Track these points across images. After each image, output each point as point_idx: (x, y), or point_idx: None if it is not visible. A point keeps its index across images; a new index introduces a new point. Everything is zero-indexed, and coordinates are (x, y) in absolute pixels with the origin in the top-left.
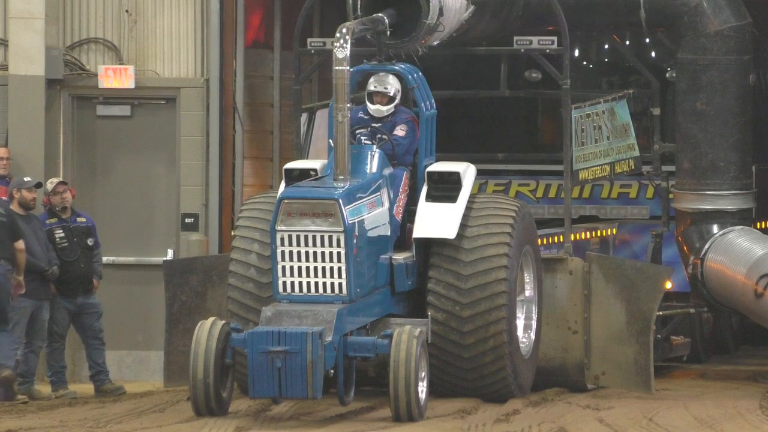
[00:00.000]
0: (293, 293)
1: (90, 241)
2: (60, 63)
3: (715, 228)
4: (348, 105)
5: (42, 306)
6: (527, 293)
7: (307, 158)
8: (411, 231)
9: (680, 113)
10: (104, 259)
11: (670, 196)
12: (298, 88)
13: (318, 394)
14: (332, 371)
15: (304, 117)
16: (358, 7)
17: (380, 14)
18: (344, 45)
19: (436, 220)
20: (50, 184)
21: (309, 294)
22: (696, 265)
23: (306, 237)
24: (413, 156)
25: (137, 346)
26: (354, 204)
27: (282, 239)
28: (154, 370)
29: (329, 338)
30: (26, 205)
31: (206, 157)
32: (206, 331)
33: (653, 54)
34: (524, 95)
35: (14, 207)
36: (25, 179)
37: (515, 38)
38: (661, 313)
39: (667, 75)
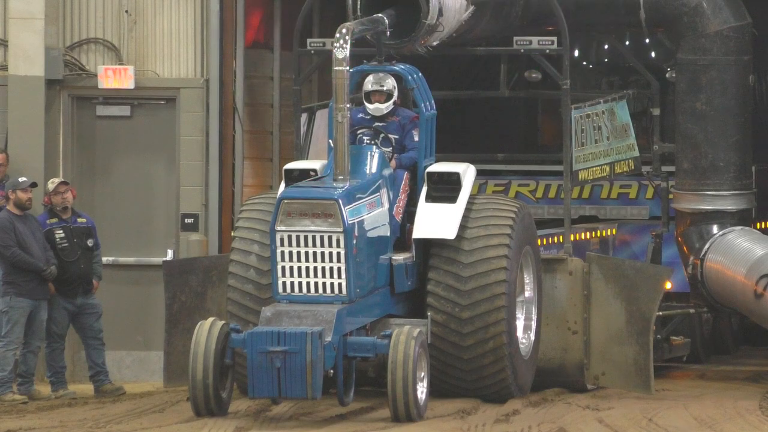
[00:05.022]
0: (293, 293)
1: (90, 242)
2: (60, 63)
3: (714, 228)
4: (348, 105)
5: (40, 306)
6: (527, 294)
7: (307, 158)
8: (411, 231)
9: (680, 113)
10: (104, 259)
11: (670, 196)
12: (297, 89)
13: (317, 395)
14: (332, 371)
15: (304, 117)
16: (358, 7)
17: (380, 14)
18: (344, 45)
19: (435, 221)
20: (51, 184)
21: (309, 294)
22: (696, 266)
23: (306, 237)
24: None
25: (137, 346)
26: (354, 204)
27: (282, 239)
28: (154, 370)
29: (329, 338)
30: (22, 205)
31: (206, 157)
32: (206, 331)
33: (653, 54)
34: (524, 95)
35: (10, 208)
36: (20, 180)
37: (515, 38)
38: (660, 313)
39: (667, 75)
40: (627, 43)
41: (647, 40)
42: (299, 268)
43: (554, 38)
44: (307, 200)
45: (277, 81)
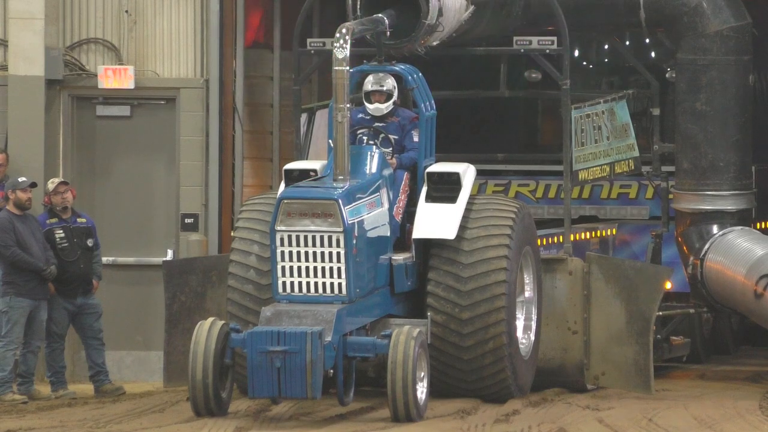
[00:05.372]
0: (293, 293)
1: (90, 242)
2: (60, 63)
3: (714, 228)
4: (348, 105)
5: (40, 306)
6: (527, 294)
7: (306, 159)
8: (411, 231)
9: (680, 113)
10: (104, 259)
11: (670, 196)
12: (297, 89)
13: (317, 395)
14: (332, 371)
15: (303, 117)
16: (358, 7)
17: (380, 14)
18: (344, 45)
19: (435, 221)
20: (51, 184)
21: (308, 294)
22: (696, 266)
23: (305, 237)
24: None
25: (137, 346)
26: (353, 204)
27: (281, 239)
28: (154, 370)
29: (329, 338)
30: (22, 205)
31: (206, 157)
32: (205, 331)
33: (653, 54)
34: (524, 95)
35: (10, 208)
36: (20, 180)
37: (515, 38)
38: (660, 313)
39: (667, 75)
40: (627, 43)
41: (647, 40)
42: (299, 268)
43: (554, 38)
44: (307, 200)
45: (277, 81)
